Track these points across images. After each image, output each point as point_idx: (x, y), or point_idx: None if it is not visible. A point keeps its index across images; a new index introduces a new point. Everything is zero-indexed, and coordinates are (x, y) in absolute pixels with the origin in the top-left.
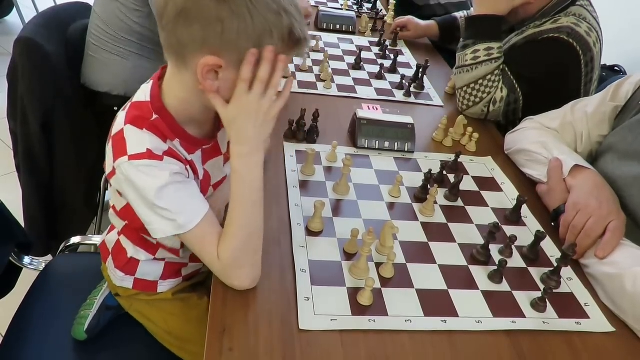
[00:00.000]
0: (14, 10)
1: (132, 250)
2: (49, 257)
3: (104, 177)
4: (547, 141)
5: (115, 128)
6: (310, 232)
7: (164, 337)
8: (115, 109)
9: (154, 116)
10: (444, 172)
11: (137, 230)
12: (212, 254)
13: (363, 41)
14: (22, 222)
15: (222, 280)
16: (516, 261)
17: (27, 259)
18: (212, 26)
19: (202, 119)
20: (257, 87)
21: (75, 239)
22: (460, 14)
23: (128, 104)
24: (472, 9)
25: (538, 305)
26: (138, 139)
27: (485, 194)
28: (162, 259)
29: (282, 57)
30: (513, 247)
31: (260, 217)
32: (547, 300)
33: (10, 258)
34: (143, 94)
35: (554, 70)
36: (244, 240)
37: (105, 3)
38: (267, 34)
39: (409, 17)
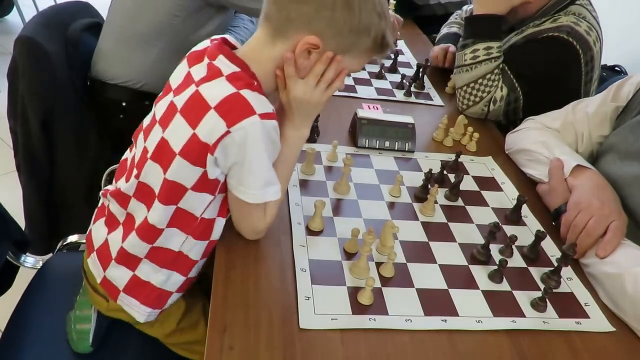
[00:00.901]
0: (14, 9)
1: (159, 277)
2: (49, 256)
3: (104, 175)
4: (548, 141)
5: (215, 98)
6: (310, 232)
7: (168, 344)
8: (124, 104)
9: (255, 82)
10: (445, 172)
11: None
12: (261, 215)
13: None
14: (22, 221)
15: (248, 237)
16: (516, 261)
17: (24, 257)
18: (324, 11)
19: (271, 94)
20: (311, 80)
21: (72, 238)
22: (459, 12)
23: (205, 82)
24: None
25: (538, 305)
26: (261, 100)
27: (485, 194)
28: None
29: (338, 57)
30: (513, 246)
31: (291, 177)
32: (547, 299)
33: (8, 257)
34: (226, 66)
35: (553, 69)
36: (282, 197)
37: (141, 2)
38: (366, 32)
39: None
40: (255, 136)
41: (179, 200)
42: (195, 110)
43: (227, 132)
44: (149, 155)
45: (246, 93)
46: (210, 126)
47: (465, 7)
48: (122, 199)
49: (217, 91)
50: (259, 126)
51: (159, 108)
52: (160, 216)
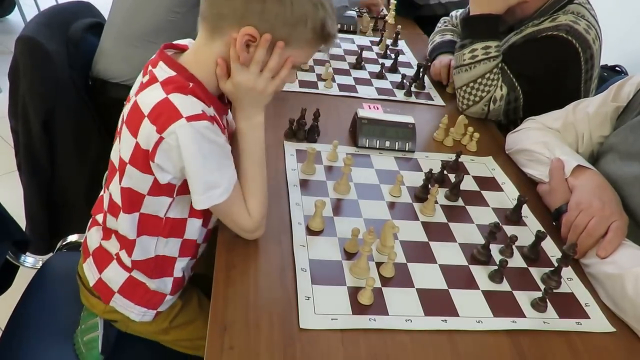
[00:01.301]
0: (16, 8)
1: (151, 284)
2: (49, 256)
3: (105, 175)
4: (549, 141)
5: (147, 106)
6: (310, 231)
7: (174, 345)
8: (125, 103)
9: (190, 84)
10: (445, 172)
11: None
12: (244, 214)
13: (364, 40)
14: (23, 221)
15: (245, 237)
16: (516, 261)
17: (24, 257)
18: (253, 4)
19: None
20: (253, 67)
21: (72, 237)
22: (447, 19)
23: (143, 90)
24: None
25: (538, 305)
26: (190, 102)
27: (485, 194)
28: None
29: (279, 43)
30: (513, 246)
31: (265, 169)
32: (547, 300)
33: (7, 256)
34: (163, 72)
35: (553, 67)
36: (265, 191)
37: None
38: (302, 23)
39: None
40: (186, 139)
41: (140, 206)
42: (134, 119)
43: (161, 139)
44: (116, 166)
45: (174, 97)
46: (146, 134)
47: (453, 13)
48: (105, 216)
49: (149, 98)
50: (188, 129)
51: (120, 121)
52: (127, 226)
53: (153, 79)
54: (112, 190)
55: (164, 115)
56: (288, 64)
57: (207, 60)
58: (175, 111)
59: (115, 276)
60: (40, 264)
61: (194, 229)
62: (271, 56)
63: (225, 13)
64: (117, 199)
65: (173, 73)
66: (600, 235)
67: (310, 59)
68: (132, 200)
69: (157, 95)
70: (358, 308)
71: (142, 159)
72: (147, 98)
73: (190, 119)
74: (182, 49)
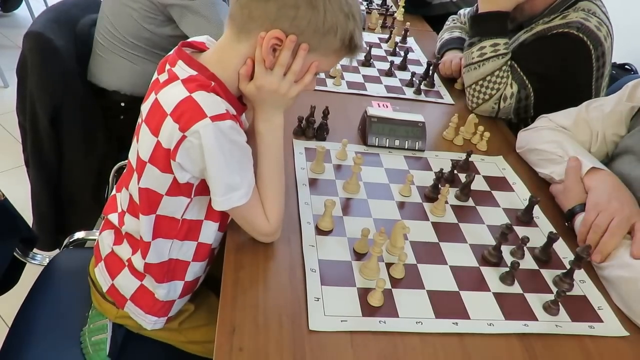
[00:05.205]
0: (23, 3)
1: (161, 291)
2: (56, 252)
3: (112, 172)
4: (562, 140)
5: (170, 104)
6: (320, 231)
7: (186, 347)
8: (123, 104)
9: (212, 83)
10: (455, 172)
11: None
12: (262, 218)
13: (373, 37)
14: (30, 217)
15: (261, 241)
16: (528, 263)
17: (31, 254)
18: (287, 9)
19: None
20: (277, 70)
21: (79, 234)
22: (455, 17)
23: (163, 88)
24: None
25: (550, 308)
26: (213, 101)
27: (496, 194)
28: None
29: (304, 45)
30: (525, 248)
31: (283, 171)
32: (559, 303)
33: (15, 253)
34: (183, 71)
35: (564, 65)
36: (282, 194)
37: (115, 5)
38: (333, 32)
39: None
40: (209, 139)
41: (157, 207)
42: (155, 118)
43: (184, 137)
44: (134, 166)
45: (198, 95)
46: (169, 132)
47: (461, 11)
48: (122, 216)
49: (171, 96)
50: (211, 128)
51: (139, 119)
52: (144, 228)
53: (173, 77)
54: (131, 191)
55: (188, 114)
56: (313, 69)
57: (230, 61)
58: (199, 110)
59: (126, 284)
60: (47, 260)
61: (210, 232)
62: (295, 59)
63: (256, 16)
64: (137, 200)
65: (194, 72)
66: (624, 234)
67: (333, 67)
68: (149, 201)
69: (180, 93)
70: (368, 310)
71: (163, 158)
72: (168, 96)
73: (214, 118)
74: (200, 48)
